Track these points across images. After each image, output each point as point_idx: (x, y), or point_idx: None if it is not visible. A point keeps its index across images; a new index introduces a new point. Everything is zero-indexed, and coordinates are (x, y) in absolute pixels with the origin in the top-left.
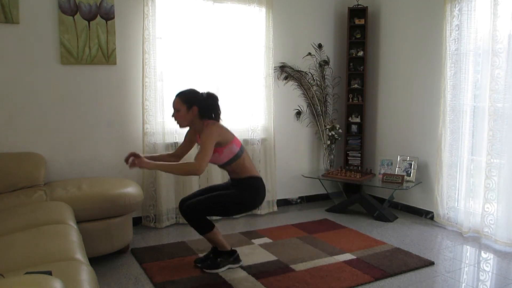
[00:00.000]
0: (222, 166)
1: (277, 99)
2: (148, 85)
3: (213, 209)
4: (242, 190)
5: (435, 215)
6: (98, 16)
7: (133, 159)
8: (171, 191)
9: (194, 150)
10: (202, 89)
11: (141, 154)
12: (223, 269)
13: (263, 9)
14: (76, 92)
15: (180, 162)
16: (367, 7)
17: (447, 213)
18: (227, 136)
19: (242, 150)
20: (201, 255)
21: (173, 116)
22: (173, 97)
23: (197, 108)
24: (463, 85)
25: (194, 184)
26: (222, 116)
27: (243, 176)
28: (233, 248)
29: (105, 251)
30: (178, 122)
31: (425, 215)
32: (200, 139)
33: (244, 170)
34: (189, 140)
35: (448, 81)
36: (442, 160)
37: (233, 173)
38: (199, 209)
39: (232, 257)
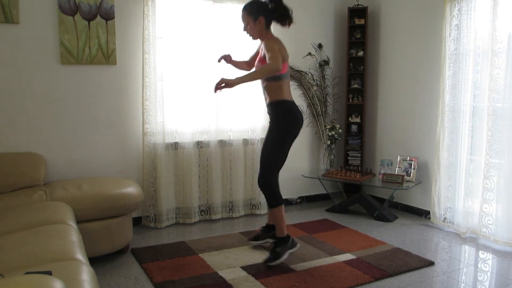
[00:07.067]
0: (265, 79)
1: None
2: (148, 85)
3: (273, 163)
4: (277, 120)
5: (431, 215)
6: (98, 16)
7: (217, 87)
8: (171, 191)
9: None
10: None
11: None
12: (285, 257)
13: None
14: (76, 92)
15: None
16: (367, 7)
17: (443, 214)
18: (283, 54)
19: (287, 75)
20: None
21: (244, 30)
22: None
23: (263, 18)
24: (462, 85)
25: (194, 184)
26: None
27: (278, 99)
28: (287, 233)
29: (105, 251)
30: (250, 35)
31: (425, 215)
32: (265, 47)
33: (281, 92)
34: (257, 52)
35: (447, 81)
36: (440, 160)
37: (270, 94)
38: (266, 175)
39: (288, 242)
